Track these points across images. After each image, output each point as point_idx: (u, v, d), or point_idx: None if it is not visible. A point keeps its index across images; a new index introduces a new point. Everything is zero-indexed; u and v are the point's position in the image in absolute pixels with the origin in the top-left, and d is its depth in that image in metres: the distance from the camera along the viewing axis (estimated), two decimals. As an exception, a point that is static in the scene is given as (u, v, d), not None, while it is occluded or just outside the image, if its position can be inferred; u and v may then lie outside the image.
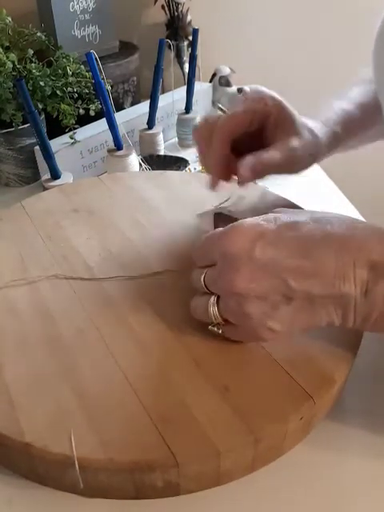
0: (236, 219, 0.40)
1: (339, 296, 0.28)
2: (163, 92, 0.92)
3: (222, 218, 0.45)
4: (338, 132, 0.46)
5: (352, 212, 0.65)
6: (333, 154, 0.48)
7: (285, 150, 0.41)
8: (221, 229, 0.32)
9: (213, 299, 0.32)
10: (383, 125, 0.48)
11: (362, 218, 0.63)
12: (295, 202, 0.50)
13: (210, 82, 0.93)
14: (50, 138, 0.64)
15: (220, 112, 0.41)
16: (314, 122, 0.45)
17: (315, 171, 0.76)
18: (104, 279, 0.40)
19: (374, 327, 0.29)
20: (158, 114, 0.75)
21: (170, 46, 0.91)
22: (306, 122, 0.43)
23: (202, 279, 0.32)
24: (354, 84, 0.52)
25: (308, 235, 0.29)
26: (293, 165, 0.42)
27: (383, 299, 0.28)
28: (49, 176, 0.61)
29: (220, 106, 0.42)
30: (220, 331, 0.33)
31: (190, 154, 0.76)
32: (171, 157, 0.74)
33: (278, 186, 0.54)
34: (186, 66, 0.94)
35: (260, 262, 0.29)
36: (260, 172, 0.40)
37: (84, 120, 0.69)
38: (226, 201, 0.48)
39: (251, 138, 0.42)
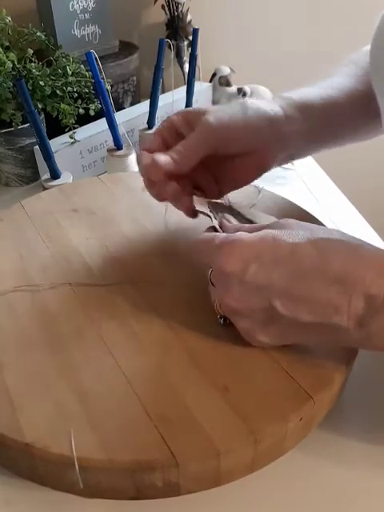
0: (238, 212, 0.40)
1: (330, 325, 0.28)
2: (163, 92, 0.92)
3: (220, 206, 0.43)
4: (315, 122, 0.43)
5: (350, 211, 0.65)
6: (320, 147, 0.46)
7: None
8: (222, 236, 0.32)
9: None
10: (350, 122, 0.46)
11: (361, 217, 0.63)
12: (293, 201, 0.50)
13: (210, 81, 0.93)
14: (50, 138, 0.64)
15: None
16: (276, 110, 0.40)
17: (314, 169, 0.76)
18: (112, 284, 0.40)
19: (375, 349, 0.29)
20: (158, 114, 0.75)
21: (169, 46, 0.91)
22: (259, 124, 0.39)
23: (208, 275, 0.33)
24: (334, 73, 0.49)
25: (304, 262, 0.28)
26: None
27: (381, 332, 0.27)
28: (48, 176, 0.61)
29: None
30: (222, 322, 0.34)
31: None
32: (171, 157, 0.74)
33: (277, 185, 0.54)
34: (186, 66, 0.94)
35: (250, 285, 0.29)
36: None
37: (84, 120, 0.69)
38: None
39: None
